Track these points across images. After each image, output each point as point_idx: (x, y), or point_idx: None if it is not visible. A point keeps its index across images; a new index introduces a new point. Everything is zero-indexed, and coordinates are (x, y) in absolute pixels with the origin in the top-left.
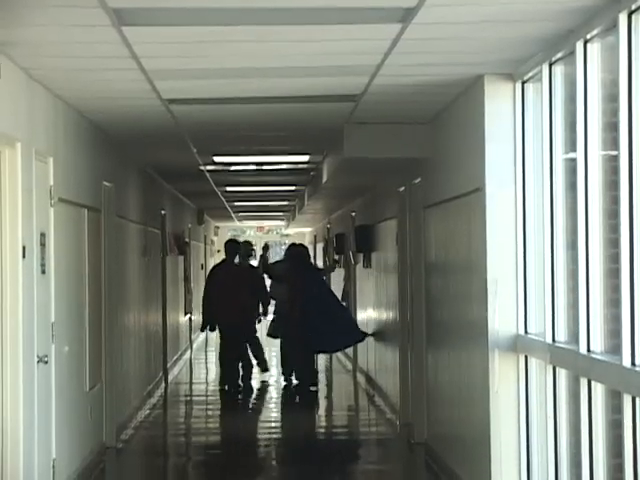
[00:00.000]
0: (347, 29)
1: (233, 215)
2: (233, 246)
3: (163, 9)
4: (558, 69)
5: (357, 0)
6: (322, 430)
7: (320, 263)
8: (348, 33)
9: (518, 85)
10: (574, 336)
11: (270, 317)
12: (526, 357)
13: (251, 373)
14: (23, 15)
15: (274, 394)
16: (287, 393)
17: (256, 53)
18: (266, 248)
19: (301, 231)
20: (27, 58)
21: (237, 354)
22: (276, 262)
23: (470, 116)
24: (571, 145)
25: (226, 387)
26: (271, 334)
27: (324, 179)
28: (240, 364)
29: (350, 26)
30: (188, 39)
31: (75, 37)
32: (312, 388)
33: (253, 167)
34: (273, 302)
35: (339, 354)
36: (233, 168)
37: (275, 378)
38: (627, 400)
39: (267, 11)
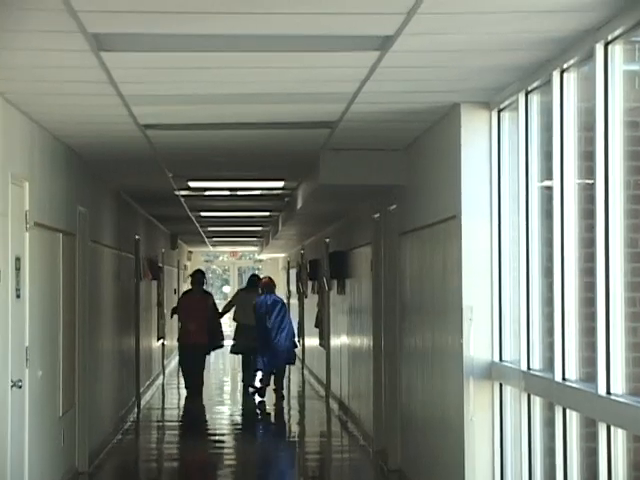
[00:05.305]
0: (325, 56)
1: (207, 240)
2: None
3: (142, 35)
4: (534, 98)
5: (335, 28)
6: (295, 457)
7: (293, 289)
8: (326, 60)
9: (494, 113)
10: (549, 364)
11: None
12: (501, 385)
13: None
14: (0, 39)
15: (247, 420)
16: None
17: (233, 80)
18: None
19: (274, 257)
20: (3, 82)
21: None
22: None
23: (446, 144)
24: (547, 173)
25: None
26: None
27: (299, 205)
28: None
29: (328, 54)
30: (166, 65)
31: (53, 62)
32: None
33: (228, 192)
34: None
35: (312, 380)
36: (208, 193)
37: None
38: (602, 428)
39: (244, 38)
